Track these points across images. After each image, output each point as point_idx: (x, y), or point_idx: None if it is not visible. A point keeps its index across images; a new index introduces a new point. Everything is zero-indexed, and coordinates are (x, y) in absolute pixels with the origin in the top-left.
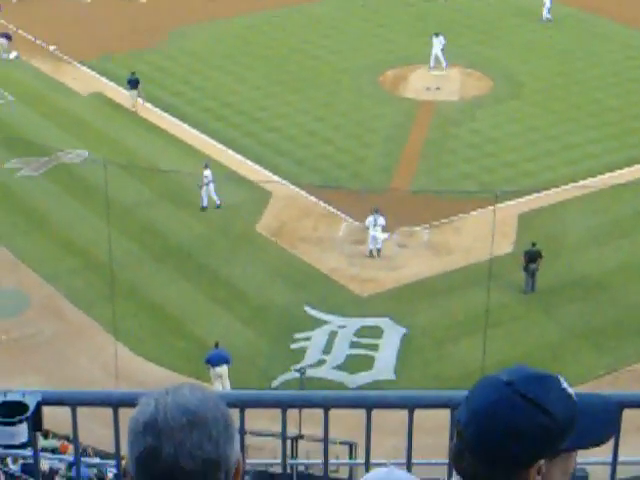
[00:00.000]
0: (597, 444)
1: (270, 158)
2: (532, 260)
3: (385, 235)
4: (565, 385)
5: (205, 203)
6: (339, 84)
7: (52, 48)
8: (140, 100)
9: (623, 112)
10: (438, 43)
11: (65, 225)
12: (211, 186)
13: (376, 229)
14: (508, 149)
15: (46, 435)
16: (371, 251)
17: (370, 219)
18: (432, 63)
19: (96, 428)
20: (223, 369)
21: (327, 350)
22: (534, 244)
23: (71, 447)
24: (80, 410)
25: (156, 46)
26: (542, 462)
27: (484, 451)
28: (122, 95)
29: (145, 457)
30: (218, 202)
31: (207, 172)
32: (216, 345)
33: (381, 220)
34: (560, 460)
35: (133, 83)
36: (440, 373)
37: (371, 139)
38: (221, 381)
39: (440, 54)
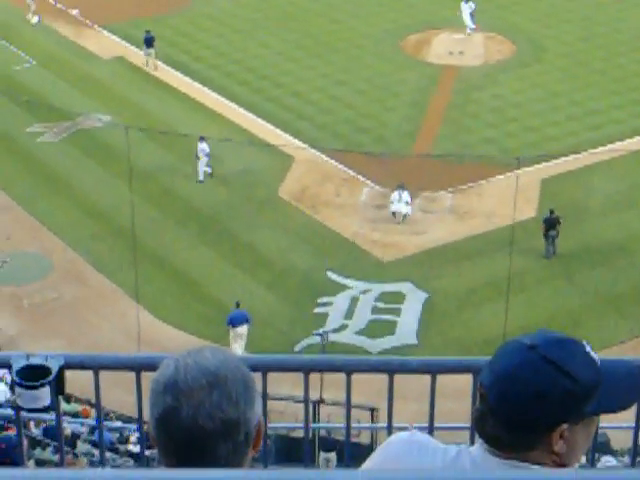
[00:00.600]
0: (621, 409)
1: (292, 123)
2: (551, 227)
3: (408, 209)
4: (589, 349)
5: (202, 177)
6: (361, 49)
7: (74, 12)
8: (154, 59)
9: None
10: (467, 8)
11: (87, 190)
12: (204, 160)
13: (400, 205)
14: (531, 114)
15: (69, 399)
16: (394, 213)
17: (395, 195)
18: (469, 26)
19: (119, 392)
20: (244, 329)
21: (349, 315)
22: (552, 211)
23: (93, 411)
24: (102, 374)
25: (180, 11)
26: (565, 426)
27: (507, 414)
28: (144, 59)
29: (165, 417)
30: (202, 177)
31: (203, 145)
32: (237, 305)
33: (405, 196)
34: (583, 425)
35: (149, 41)
36: (462, 338)
37: (393, 104)
38: (240, 341)
39: (468, 18)
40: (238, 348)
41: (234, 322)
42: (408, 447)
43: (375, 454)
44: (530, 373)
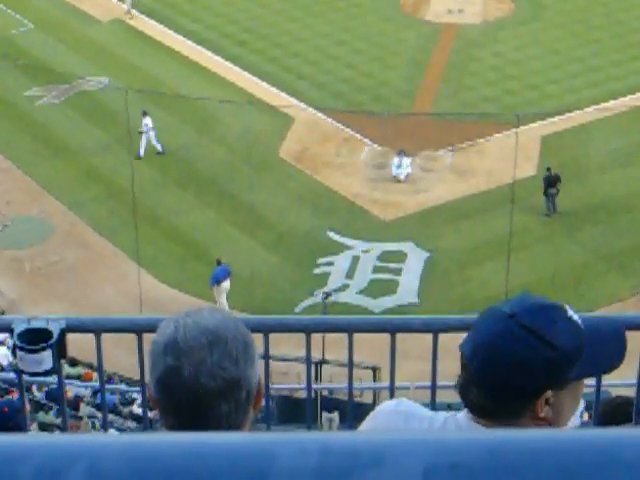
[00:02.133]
0: (608, 370)
1: (291, 83)
2: (551, 185)
3: (408, 169)
4: (571, 313)
5: (142, 152)
6: (360, 7)
7: None
8: (131, 8)
9: None
10: None
11: (87, 153)
12: (152, 133)
13: (400, 171)
14: (531, 71)
15: (74, 363)
16: (394, 176)
17: (395, 160)
18: None
19: (121, 355)
20: (227, 283)
21: (350, 275)
22: (549, 169)
23: (96, 374)
24: (105, 337)
25: None
26: (550, 393)
27: (489, 384)
28: (143, 22)
29: (166, 377)
30: (160, 149)
31: (146, 119)
32: (219, 262)
33: (406, 161)
34: (568, 389)
35: None
36: (464, 296)
37: (393, 63)
38: (224, 295)
39: None
40: (224, 302)
41: (221, 278)
42: (395, 417)
43: (362, 426)
44: (510, 343)
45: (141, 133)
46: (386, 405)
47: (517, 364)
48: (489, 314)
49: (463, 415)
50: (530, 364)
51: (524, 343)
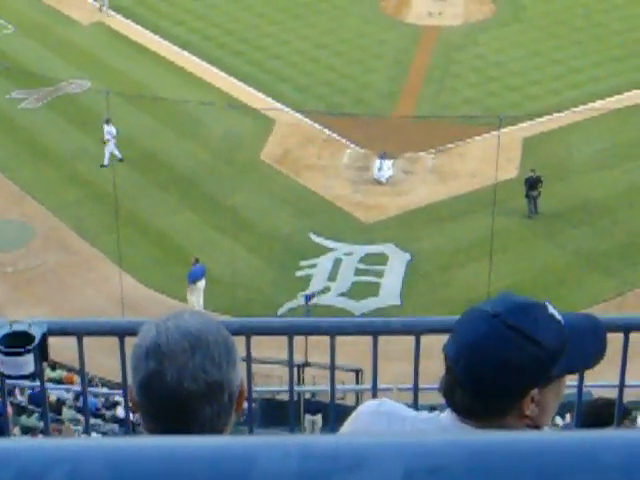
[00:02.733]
0: (589, 366)
1: (273, 85)
2: (532, 187)
3: (389, 172)
4: (552, 311)
5: (107, 162)
6: (341, 10)
7: None
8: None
9: (627, 35)
10: None
11: (69, 156)
12: (112, 142)
13: (381, 174)
14: (512, 73)
15: (54, 366)
16: (376, 179)
17: (377, 163)
18: None
19: (103, 358)
20: (202, 283)
21: (332, 277)
22: (532, 170)
23: (77, 377)
24: (87, 340)
25: None
26: (535, 391)
27: (475, 385)
28: (124, 25)
29: (149, 382)
30: (120, 156)
31: (109, 127)
32: (197, 261)
33: (387, 164)
34: (552, 385)
35: None
36: (446, 298)
37: (374, 65)
38: (198, 295)
39: None
40: (195, 302)
41: (199, 277)
42: (377, 418)
43: (344, 427)
44: (495, 342)
45: (105, 142)
46: (368, 405)
47: (503, 363)
48: (471, 315)
49: (447, 415)
50: (517, 363)
51: (510, 342)
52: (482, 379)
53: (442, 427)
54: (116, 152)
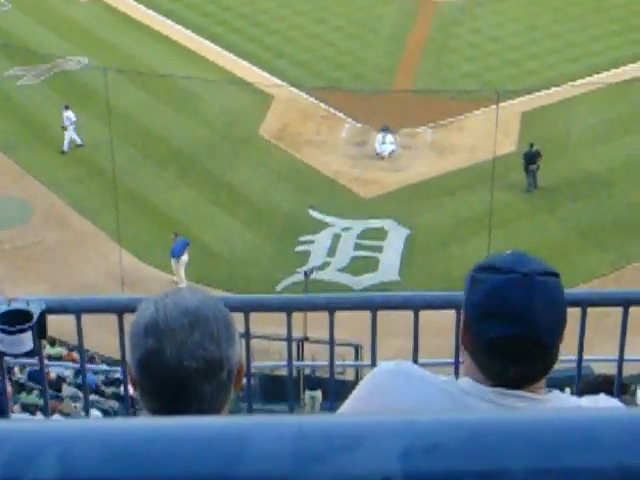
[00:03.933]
0: None
1: (271, 61)
2: (531, 162)
3: (392, 147)
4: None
5: (66, 147)
6: None
7: None
8: None
9: (626, 9)
10: None
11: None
12: (72, 128)
13: (384, 147)
14: (510, 48)
15: (53, 343)
16: (378, 154)
17: (379, 137)
18: None
19: (103, 335)
20: (186, 257)
21: (331, 253)
22: (532, 145)
23: (76, 354)
24: (86, 317)
25: None
26: None
27: (556, 335)
28: (122, 1)
29: (148, 359)
30: (80, 142)
31: (68, 113)
32: (176, 235)
33: (389, 138)
34: None
35: None
36: (445, 273)
37: (372, 40)
38: (183, 268)
39: None
40: (184, 275)
41: (181, 252)
42: (395, 376)
43: (361, 386)
44: (548, 294)
45: (64, 128)
46: (386, 365)
47: (563, 306)
48: (505, 279)
49: (465, 379)
50: (562, 303)
51: (556, 287)
52: (558, 328)
53: (462, 389)
54: (76, 138)
